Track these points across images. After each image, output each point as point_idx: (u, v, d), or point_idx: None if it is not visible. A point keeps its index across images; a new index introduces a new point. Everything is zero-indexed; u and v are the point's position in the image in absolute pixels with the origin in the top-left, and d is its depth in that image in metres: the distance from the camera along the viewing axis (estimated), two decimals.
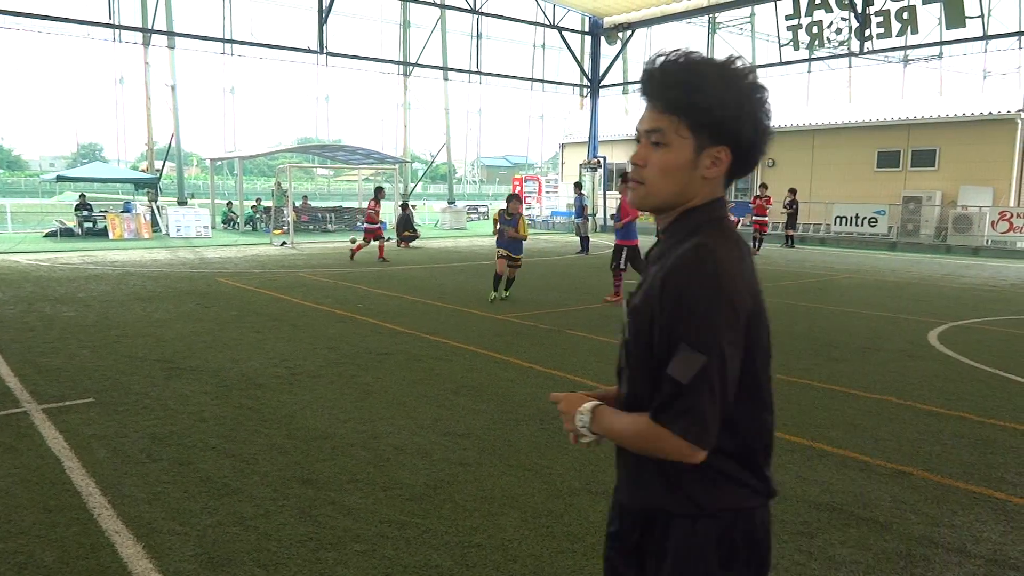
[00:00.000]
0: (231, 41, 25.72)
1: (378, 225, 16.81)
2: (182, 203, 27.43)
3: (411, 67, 31.46)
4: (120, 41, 24.83)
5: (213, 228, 25.01)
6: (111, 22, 23.93)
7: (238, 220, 27.35)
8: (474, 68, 31.62)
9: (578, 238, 20.69)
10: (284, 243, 20.84)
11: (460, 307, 10.60)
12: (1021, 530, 3.80)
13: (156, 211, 24.43)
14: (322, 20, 24.82)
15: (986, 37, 22.44)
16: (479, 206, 39.25)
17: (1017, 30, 22.88)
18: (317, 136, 37.47)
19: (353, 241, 17.47)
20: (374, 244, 16.82)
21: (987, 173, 22.59)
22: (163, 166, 26.37)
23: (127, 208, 24.14)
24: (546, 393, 6.19)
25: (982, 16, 21.75)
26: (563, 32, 31.41)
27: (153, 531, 3.64)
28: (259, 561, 3.37)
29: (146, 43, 25.92)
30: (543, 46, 34.60)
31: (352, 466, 4.51)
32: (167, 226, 23.57)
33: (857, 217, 24.01)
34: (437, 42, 32.47)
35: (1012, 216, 20.90)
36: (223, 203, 29.08)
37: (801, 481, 4.39)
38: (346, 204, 32.99)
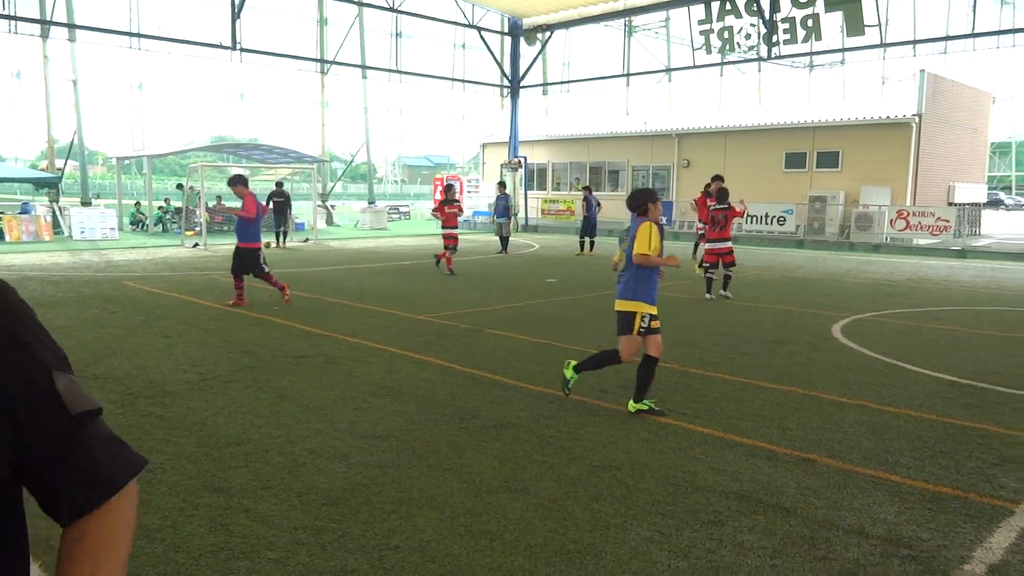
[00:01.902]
0: (137, 35, 24.66)
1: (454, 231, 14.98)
2: (86, 203, 26.20)
3: (328, 65, 30.90)
4: (16, 32, 23.46)
5: (120, 230, 23.93)
6: (5, 13, 22.60)
7: (147, 221, 26.29)
8: (394, 67, 31.32)
9: (498, 238, 20.75)
10: (196, 244, 20.14)
11: (379, 308, 10.48)
12: (914, 511, 4.02)
13: (57, 212, 23.23)
14: (235, 14, 24.10)
15: (884, 45, 23.63)
16: (400, 206, 38.90)
17: (912, 39, 24.22)
18: (232, 135, 36.40)
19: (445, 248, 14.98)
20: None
21: (885, 174, 23.82)
22: (65, 165, 25.12)
23: (25, 209, 22.87)
24: (466, 393, 6.19)
25: (880, 25, 22.92)
26: (483, 32, 31.46)
27: (51, 548, 3.45)
28: (166, 574, 3.26)
29: (44, 35, 24.64)
30: (463, 46, 34.55)
31: (266, 472, 4.40)
32: (70, 228, 22.44)
33: (767, 216, 24.92)
34: (355, 40, 32.03)
35: (908, 215, 22.11)
36: (131, 203, 27.90)
37: (713, 471, 4.52)
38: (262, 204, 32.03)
